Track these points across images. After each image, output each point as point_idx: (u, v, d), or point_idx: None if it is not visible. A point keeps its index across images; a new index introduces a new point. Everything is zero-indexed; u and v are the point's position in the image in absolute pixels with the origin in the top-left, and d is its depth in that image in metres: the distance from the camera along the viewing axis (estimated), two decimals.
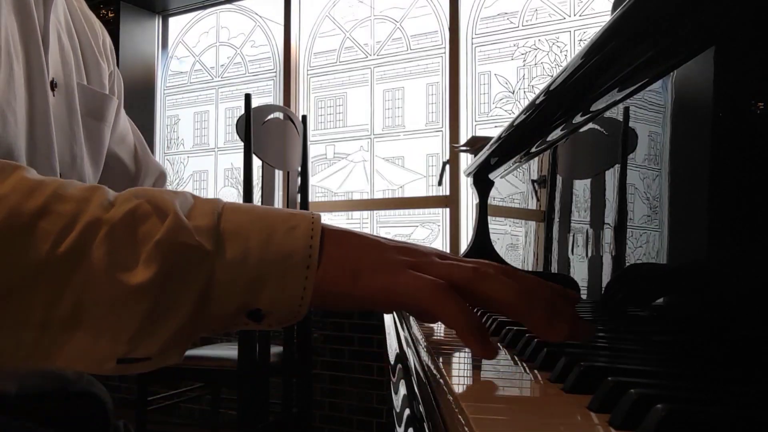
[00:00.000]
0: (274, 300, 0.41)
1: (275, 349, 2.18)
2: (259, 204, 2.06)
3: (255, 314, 0.42)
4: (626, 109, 0.61)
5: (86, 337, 0.39)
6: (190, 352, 2.23)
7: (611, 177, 0.65)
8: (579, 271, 0.75)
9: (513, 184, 1.17)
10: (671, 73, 0.52)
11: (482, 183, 1.35)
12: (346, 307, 0.44)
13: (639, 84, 0.58)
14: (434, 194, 2.76)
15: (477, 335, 0.41)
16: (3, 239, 0.38)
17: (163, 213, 0.40)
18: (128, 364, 0.40)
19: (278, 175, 2.40)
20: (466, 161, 2.57)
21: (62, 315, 0.39)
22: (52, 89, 0.65)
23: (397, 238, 0.47)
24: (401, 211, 2.83)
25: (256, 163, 2.07)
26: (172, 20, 3.56)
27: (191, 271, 0.40)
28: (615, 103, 0.64)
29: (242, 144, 2.06)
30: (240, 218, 0.42)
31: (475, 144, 1.70)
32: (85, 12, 0.77)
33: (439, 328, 0.69)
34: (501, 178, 1.25)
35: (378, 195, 2.92)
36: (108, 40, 0.81)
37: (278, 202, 2.47)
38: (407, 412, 0.37)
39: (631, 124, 0.60)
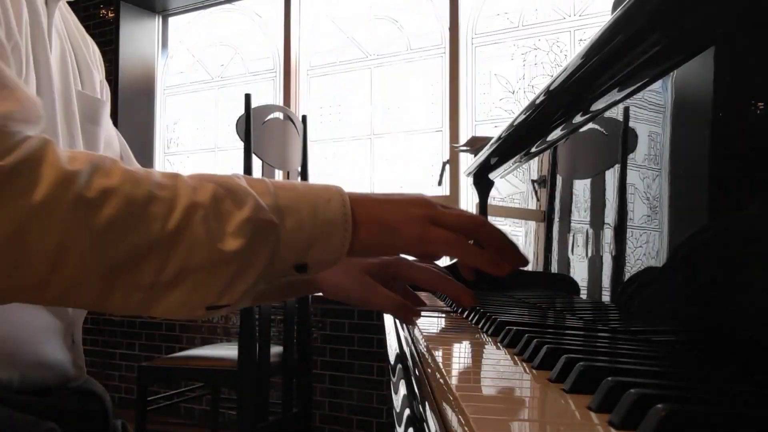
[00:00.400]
0: (319, 256, 0.53)
1: (275, 349, 2.18)
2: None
3: (301, 267, 0.54)
4: (626, 109, 0.61)
5: (183, 293, 0.49)
6: (189, 352, 2.23)
7: (611, 177, 0.65)
8: (579, 271, 0.75)
9: (513, 184, 1.17)
10: (671, 73, 0.52)
11: (482, 183, 1.35)
12: (387, 254, 0.63)
13: (639, 84, 0.58)
14: (434, 194, 2.76)
15: (496, 264, 0.57)
16: (124, 223, 0.47)
17: (235, 195, 0.51)
18: (214, 309, 0.52)
19: (278, 175, 2.40)
20: (466, 161, 2.57)
21: (166, 278, 0.49)
22: None
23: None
24: None
25: (256, 163, 2.07)
26: (172, 20, 3.56)
27: (265, 240, 0.51)
28: (615, 103, 0.64)
29: (242, 144, 2.06)
30: (289, 195, 0.53)
31: (475, 144, 1.70)
32: (77, 23, 0.80)
33: (439, 329, 0.69)
34: (501, 178, 1.26)
35: None
36: (97, 51, 0.84)
37: None
38: (407, 412, 0.37)
39: (631, 124, 0.60)
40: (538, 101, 0.83)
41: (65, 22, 0.75)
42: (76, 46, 0.76)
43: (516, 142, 1.03)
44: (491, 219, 1.32)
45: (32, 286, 0.46)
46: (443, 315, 0.81)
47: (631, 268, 0.58)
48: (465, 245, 0.57)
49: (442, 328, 0.70)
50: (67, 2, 0.77)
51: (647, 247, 0.55)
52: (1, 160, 0.44)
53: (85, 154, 0.48)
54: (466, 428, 0.28)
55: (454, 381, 0.36)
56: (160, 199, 0.48)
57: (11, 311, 0.62)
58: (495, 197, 1.33)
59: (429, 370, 0.43)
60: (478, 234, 0.58)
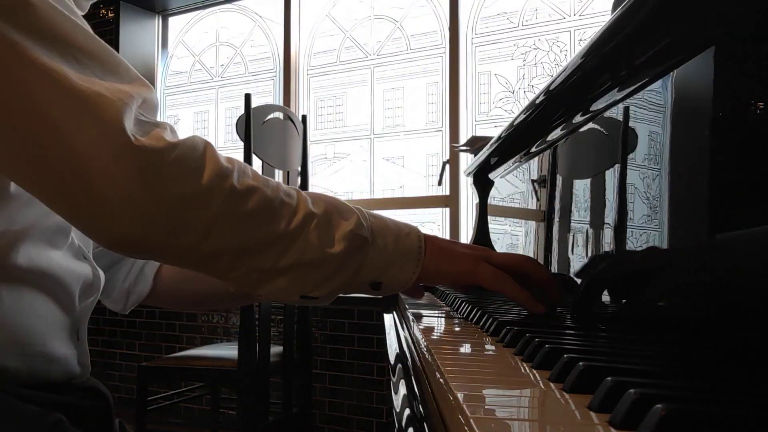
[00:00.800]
0: (394, 277, 0.65)
1: (275, 349, 2.18)
2: None
3: (376, 285, 0.65)
4: (626, 109, 0.61)
5: (288, 281, 0.61)
6: (189, 352, 2.23)
7: (611, 177, 0.65)
8: (579, 271, 0.75)
9: (513, 184, 1.17)
10: (671, 73, 0.52)
11: (482, 183, 1.35)
12: (444, 282, 0.72)
13: (639, 84, 0.58)
14: (434, 194, 2.76)
15: (533, 302, 0.67)
16: (260, 216, 0.59)
17: (341, 212, 0.64)
18: (306, 299, 0.63)
19: (278, 174, 2.40)
20: (466, 161, 2.57)
21: (281, 266, 0.60)
22: None
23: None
24: (401, 211, 2.83)
25: (256, 163, 2.07)
26: (172, 20, 3.56)
27: (359, 251, 0.63)
28: (615, 103, 0.64)
29: (242, 144, 2.06)
30: (379, 222, 0.66)
31: (475, 144, 1.70)
32: None
33: (439, 329, 0.69)
34: (501, 177, 1.26)
35: (378, 195, 2.92)
36: None
37: None
38: (407, 412, 0.37)
39: (631, 124, 0.60)
40: (538, 101, 0.83)
41: None
42: None
43: (516, 142, 1.03)
44: (491, 219, 1.32)
45: (182, 249, 0.57)
46: (443, 315, 0.81)
47: (631, 268, 0.58)
48: (508, 281, 0.67)
49: (443, 327, 0.70)
50: None
51: (647, 247, 0.55)
52: (172, 140, 0.55)
53: (234, 158, 0.60)
54: (466, 428, 0.28)
55: (454, 381, 0.36)
56: (287, 203, 0.61)
57: (26, 301, 0.64)
58: (495, 197, 1.33)
59: (429, 370, 0.43)
60: (527, 269, 0.68)
